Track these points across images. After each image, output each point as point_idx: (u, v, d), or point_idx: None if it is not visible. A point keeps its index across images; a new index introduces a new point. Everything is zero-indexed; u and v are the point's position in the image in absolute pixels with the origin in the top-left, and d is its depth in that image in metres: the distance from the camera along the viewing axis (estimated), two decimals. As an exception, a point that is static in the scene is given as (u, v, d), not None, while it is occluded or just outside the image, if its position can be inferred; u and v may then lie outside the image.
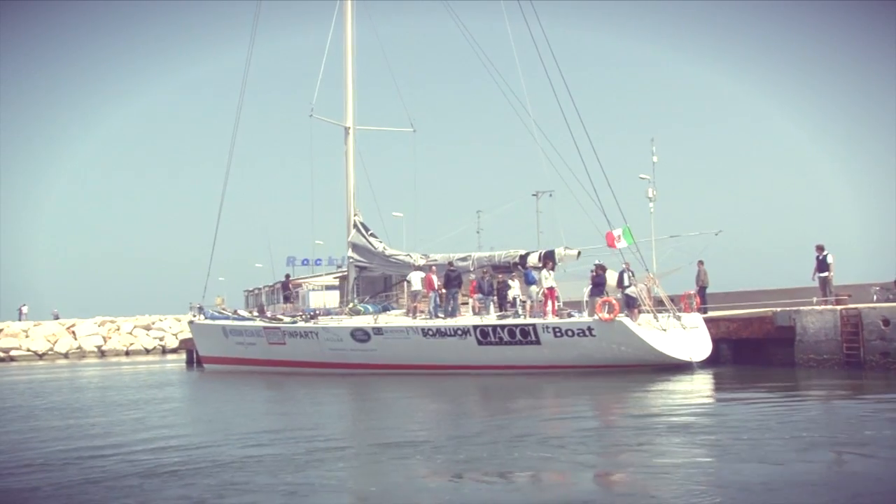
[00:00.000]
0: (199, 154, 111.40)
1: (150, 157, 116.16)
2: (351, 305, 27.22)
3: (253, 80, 36.14)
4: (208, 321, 30.13)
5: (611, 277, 22.49)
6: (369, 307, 27.25)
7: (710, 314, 23.68)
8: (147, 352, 52.78)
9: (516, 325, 22.32)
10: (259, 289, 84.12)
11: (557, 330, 21.69)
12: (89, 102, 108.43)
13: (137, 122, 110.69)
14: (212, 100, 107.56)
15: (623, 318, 20.97)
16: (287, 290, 31.95)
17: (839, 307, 19.77)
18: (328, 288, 65.82)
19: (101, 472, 9.84)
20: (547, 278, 22.51)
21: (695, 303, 22.95)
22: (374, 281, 36.11)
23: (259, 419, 15.68)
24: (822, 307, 20.23)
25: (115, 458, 10.72)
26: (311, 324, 26.48)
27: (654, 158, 38.21)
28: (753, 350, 21.87)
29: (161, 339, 54.11)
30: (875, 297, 23.27)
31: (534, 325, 21.98)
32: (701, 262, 24.95)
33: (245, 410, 17.77)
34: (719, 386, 18.08)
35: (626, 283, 22.22)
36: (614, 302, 21.00)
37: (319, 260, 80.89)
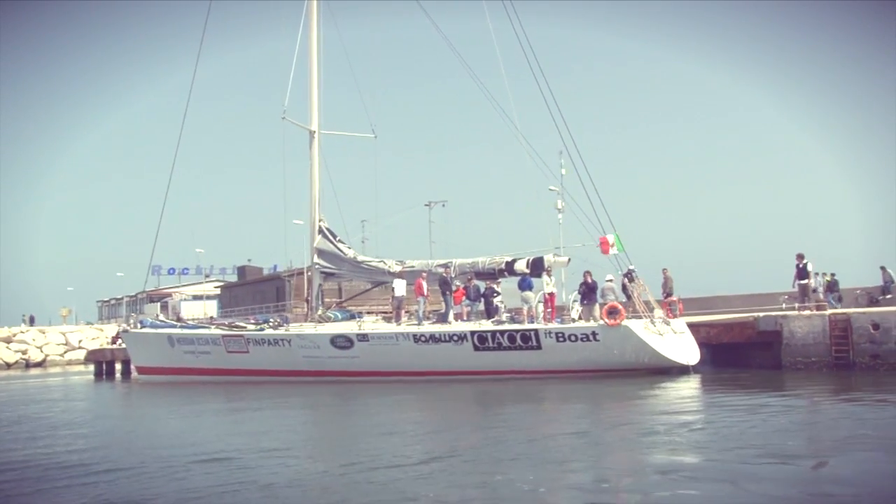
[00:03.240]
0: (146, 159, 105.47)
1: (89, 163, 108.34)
2: (320, 312, 26.16)
3: (226, 84, 34.46)
4: (149, 329, 27.93)
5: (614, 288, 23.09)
6: (339, 314, 26.40)
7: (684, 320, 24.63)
8: (9, 366, 47.74)
9: (517, 331, 22.38)
10: (117, 299, 78.83)
11: (560, 335, 21.99)
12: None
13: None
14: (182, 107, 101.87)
15: (628, 323, 21.61)
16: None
17: (827, 312, 21.45)
18: (207, 298, 62.98)
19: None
20: (548, 284, 22.80)
21: (678, 309, 24.00)
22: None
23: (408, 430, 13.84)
24: (810, 312, 21.86)
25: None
26: (281, 331, 25.24)
27: (563, 171, 39.75)
28: (733, 354, 23.22)
29: (24, 352, 49.12)
30: (784, 307, 24.66)
31: (536, 331, 22.13)
32: (665, 270, 25.85)
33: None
34: (742, 387, 18.68)
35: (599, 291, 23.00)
36: (619, 307, 21.63)
37: (186, 269, 77.01)
